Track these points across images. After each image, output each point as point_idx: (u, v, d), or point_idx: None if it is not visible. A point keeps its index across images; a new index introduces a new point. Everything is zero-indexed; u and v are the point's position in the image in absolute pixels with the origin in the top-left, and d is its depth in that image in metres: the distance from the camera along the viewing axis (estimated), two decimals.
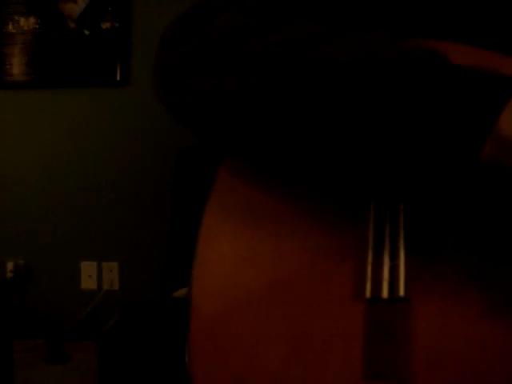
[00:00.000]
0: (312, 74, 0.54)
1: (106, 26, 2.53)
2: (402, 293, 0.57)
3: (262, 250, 0.62)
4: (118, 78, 2.55)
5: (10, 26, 2.57)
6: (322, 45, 0.56)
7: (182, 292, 1.97)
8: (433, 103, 0.50)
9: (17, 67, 2.58)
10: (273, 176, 0.65)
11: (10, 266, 2.66)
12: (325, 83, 0.53)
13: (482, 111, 0.49)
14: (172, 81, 0.63)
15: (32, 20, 2.55)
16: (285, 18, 0.60)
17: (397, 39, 0.56)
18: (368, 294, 0.58)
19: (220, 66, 0.59)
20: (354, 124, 0.53)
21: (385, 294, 0.57)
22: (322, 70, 0.54)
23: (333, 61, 0.54)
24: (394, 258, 0.58)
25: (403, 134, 0.51)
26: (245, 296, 0.61)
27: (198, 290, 0.63)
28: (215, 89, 0.59)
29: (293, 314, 0.59)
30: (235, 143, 0.62)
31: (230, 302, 0.61)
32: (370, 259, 0.59)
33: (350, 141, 0.53)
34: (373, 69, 0.52)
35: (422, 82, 0.51)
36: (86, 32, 2.54)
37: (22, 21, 2.56)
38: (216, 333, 0.61)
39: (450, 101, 0.50)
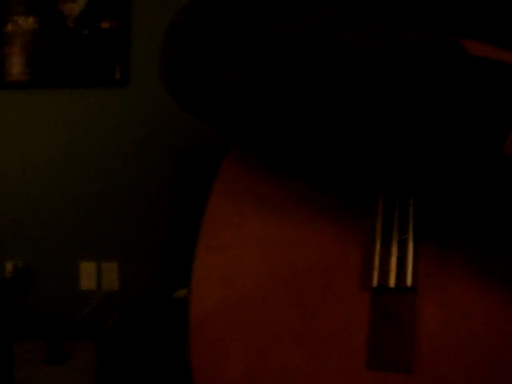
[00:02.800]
0: (332, 59, 0.53)
1: (105, 25, 2.53)
2: (409, 282, 0.57)
3: (267, 237, 0.62)
4: (117, 78, 2.55)
5: (10, 26, 2.57)
6: (342, 32, 0.55)
7: (181, 292, 1.97)
8: (454, 94, 0.49)
9: (16, 67, 2.58)
10: (282, 164, 0.64)
11: (9, 266, 2.66)
12: (344, 69, 0.53)
13: (505, 103, 0.48)
14: (182, 69, 0.62)
15: (31, 20, 2.55)
16: (301, 6, 0.59)
17: (413, 31, 0.55)
18: (375, 282, 0.57)
19: (234, 54, 0.58)
20: (371, 110, 0.52)
21: (392, 283, 0.57)
22: (341, 57, 0.53)
23: (354, 48, 0.53)
24: (402, 247, 0.58)
25: (422, 123, 0.50)
26: (247, 283, 0.61)
27: (199, 277, 0.62)
28: (230, 77, 0.58)
29: (297, 302, 0.59)
30: (246, 130, 0.62)
31: (232, 289, 0.61)
32: (377, 249, 0.58)
33: (367, 128, 0.53)
34: (394, 57, 0.52)
35: (443, 72, 0.50)
36: (86, 32, 2.54)
37: (22, 20, 2.56)
38: (217, 320, 0.60)
39: (469, 91, 0.49)
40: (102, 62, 2.54)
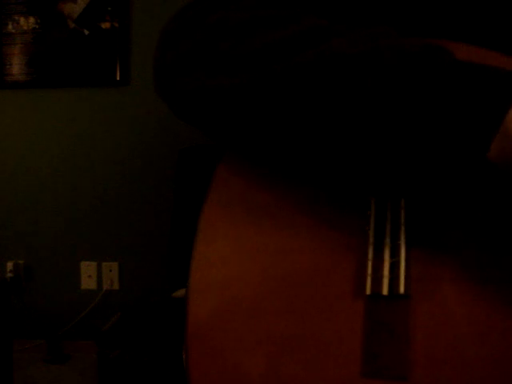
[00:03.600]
0: (317, 68, 0.54)
1: (105, 25, 2.53)
2: (402, 290, 0.57)
3: (261, 245, 0.62)
4: (117, 78, 2.55)
5: (10, 26, 2.57)
6: (327, 40, 0.55)
7: (181, 292, 1.97)
8: (438, 99, 0.49)
9: (17, 67, 2.58)
10: (273, 169, 0.64)
11: (9, 266, 2.66)
12: (329, 77, 0.53)
13: (489, 108, 0.48)
14: (173, 77, 0.62)
15: (32, 20, 2.55)
16: (288, 13, 0.59)
17: (401, 35, 0.55)
18: (368, 290, 0.57)
19: (225, 61, 0.59)
20: (357, 118, 0.52)
21: (385, 290, 0.57)
22: (326, 65, 0.53)
23: (338, 55, 0.53)
24: (394, 254, 0.58)
25: (407, 129, 0.50)
26: (243, 292, 0.61)
27: (195, 285, 0.62)
28: (220, 84, 0.58)
29: (292, 310, 0.59)
30: (240, 138, 0.62)
31: (227, 297, 0.61)
32: (370, 255, 0.58)
33: (353, 135, 0.53)
34: (377, 63, 0.52)
35: (427, 76, 0.50)
36: (86, 32, 2.53)
37: (22, 21, 2.55)
38: (213, 329, 0.60)
39: (455, 96, 0.49)
40: (102, 62, 2.54)
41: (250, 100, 0.57)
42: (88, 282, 2.64)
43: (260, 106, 0.57)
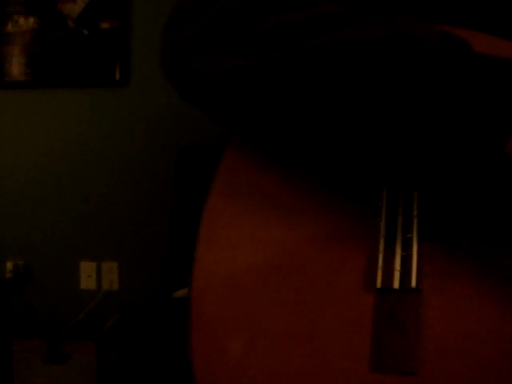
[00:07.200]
0: (335, 53, 0.53)
1: (105, 25, 2.52)
2: (413, 284, 0.56)
3: (268, 234, 0.61)
4: (117, 78, 2.54)
5: (10, 26, 2.56)
6: (345, 25, 0.55)
7: (181, 292, 1.97)
8: (455, 91, 0.49)
9: (16, 67, 2.58)
10: (282, 159, 0.63)
11: (9, 266, 2.65)
12: (344, 63, 0.52)
13: (507, 101, 0.48)
14: (182, 56, 0.61)
15: (31, 20, 2.55)
16: None
17: (420, 24, 0.55)
18: (379, 283, 0.57)
19: (236, 42, 0.57)
20: (373, 106, 0.51)
21: (396, 284, 0.57)
22: (344, 50, 0.53)
23: (356, 41, 0.53)
24: (406, 247, 0.58)
25: (424, 120, 0.50)
26: (248, 280, 0.60)
27: (200, 272, 0.62)
28: (230, 66, 0.57)
29: (299, 302, 0.58)
30: (246, 123, 0.61)
31: (232, 286, 0.60)
32: (381, 248, 0.58)
33: (367, 124, 0.52)
34: (395, 52, 0.51)
35: (445, 68, 0.50)
36: (86, 32, 2.53)
37: (22, 21, 2.55)
38: (217, 317, 0.60)
39: (473, 89, 0.49)
40: (102, 62, 2.54)
41: (263, 82, 0.56)
42: (87, 282, 2.64)
43: (274, 89, 0.55)
